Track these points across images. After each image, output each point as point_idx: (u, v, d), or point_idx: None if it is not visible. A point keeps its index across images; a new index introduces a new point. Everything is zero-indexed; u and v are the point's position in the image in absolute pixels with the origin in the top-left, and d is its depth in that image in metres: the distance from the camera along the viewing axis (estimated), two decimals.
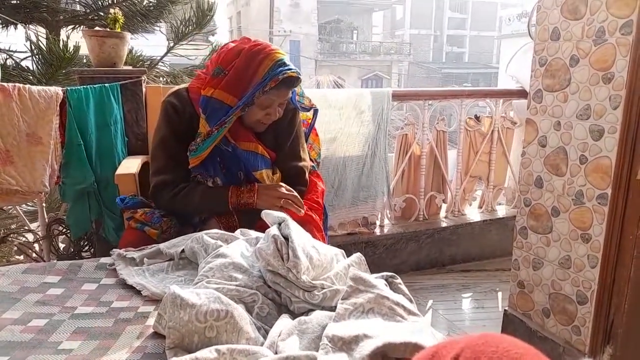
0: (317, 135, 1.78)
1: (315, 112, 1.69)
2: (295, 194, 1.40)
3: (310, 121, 1.70)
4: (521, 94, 2.71)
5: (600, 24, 1.43)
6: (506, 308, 1.88)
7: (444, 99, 2.71)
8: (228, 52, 1.38)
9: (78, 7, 2.83)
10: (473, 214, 2.83)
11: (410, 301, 0.93)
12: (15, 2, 2.55)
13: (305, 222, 1.37)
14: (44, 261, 1.91)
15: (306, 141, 1.66)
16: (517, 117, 2.84)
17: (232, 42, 1.42)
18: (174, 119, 1.42)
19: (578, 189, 1.54)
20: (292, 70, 1.34)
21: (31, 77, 2.38)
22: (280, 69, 1.32)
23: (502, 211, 2.89)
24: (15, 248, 2.14)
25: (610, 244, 1.46)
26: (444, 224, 2.67)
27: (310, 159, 1.66)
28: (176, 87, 1.48)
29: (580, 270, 1.55)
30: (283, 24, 21.15)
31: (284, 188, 1.40)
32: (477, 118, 2.79)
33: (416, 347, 0.73)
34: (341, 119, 2.30)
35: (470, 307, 2.29)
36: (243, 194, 1.39)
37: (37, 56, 2.35)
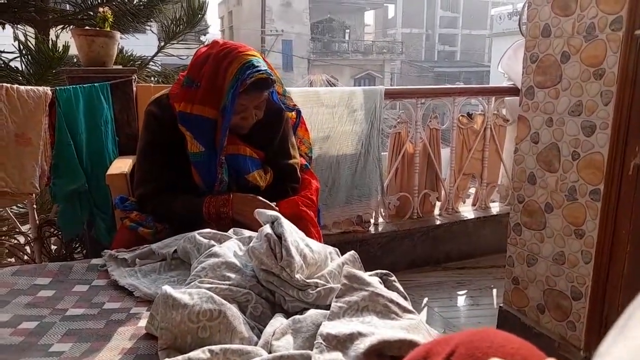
0: (306, 130, 1.76)
1: (299, 112, 1.66)
2: (272, 205, 1.35)
3: (295, 120, 1.68)
4: (513, 91, 2.72)
5: (590, 20, 1.43)
6: (501, 305, 1.89)
7: (437, 97, 2.72)
8: (195, 60, 1.33)
9: (67, 7, 2.80)
10: (467, 211, 2.83)
11: (405, 299, 0.93)
12: (2, 1, 2.52)
13: (300, 218, 1.36)
14: (36, 263, 1.89)
15: (294, 135, 1.63)
16: (509, 114, 2.85)
17: (204, 46, 1.37)
18: (155, 128, 1.39)
19: (571, 185, 1.54)
20: (261, 72, 1.27)
21: (20, 78, 2.36)
22: (249, 71, 1.26)
23: (495, 208, 2.90)
24: (7, 250, 2.11)
25: (603, 240, 1.46)
26: (438, 222, 2.67)
27: (302, 155, 1.65)
28: (158, 94, 1.44)
29: (574, 266, 1.55)
30: (275, 24, 21.10)
31: (260, 202, 1.34)
32: (469, 116, 2.79)
33: (411, 345, 0.73)
34: (334, 117, 2.29)
35: (465, 304, 2.29)
36: (218, 205, 1.34)
37: (26, 56, 2.33)
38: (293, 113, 1.65)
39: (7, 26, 2.53)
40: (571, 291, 1.57)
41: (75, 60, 2.54)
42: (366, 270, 1.02)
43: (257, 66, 1.28)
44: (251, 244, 1.00)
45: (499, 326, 1.87)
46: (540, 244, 1.67)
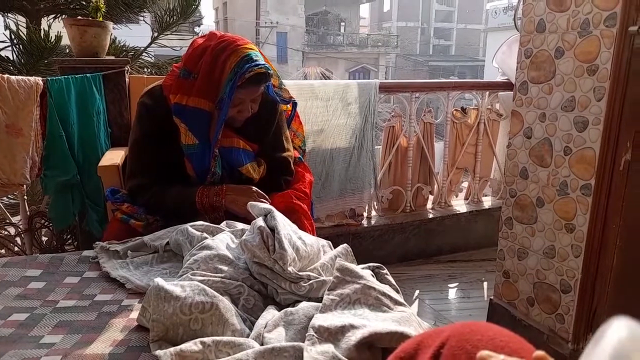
0: (300, 123, 1.76)
1: (294, 105, 1.66)
2: (266, 195, 1.36)
3: (290, 113, 1.68)
4: (507, 86, 2.72)
5: (585, 16, 1.44)
6: (492, 297, 1.90)
7: (431, 90, 2.72)
8: (193, 51, 1.32)
9: None
10: (459, 205, 2.85)
11: (397, 291, 0.93)
12: None
13: (293, 211, 1.36)
14: (26, 255, 1.88)
15: (288, 128, 1.63)
16: (502, 109, 2.86)
17: (200, 37, 1.37)
18: (147, 120, 1.38)
19: (562, 180, 1.55)
20: (260, 66, 1.27)
21: (11, 68, 2.32)
22: (248, 65, 1.25)
23: (488, 202, 2.91)
24: None
25: (593, 234, 1.48)
26: (430, 215, 2.69)
27: (295, 148, 1.65)
28: (151, 85, 1.43)
29: (564, 260, 1.57)
30: (269, 15, 20.99)
31: (254, 192, 1.35)
32: (463, 110, 2.79)
33: (402, 337, 0.73)
34: (328, 110, 2.29)
35: (456, 297, 2.31)
36: (210, 195, 1.34)
37: (17, 46, 2.29)
38: (288, 106, 1.64)
39: None
40: (560, 284, 1.59)
41: (67, 50, 2.51)
42: (358, 263, 1.03)
43: (256, 60, 1.27)
44: (244, 237, 1.00)
45: (489, 319, 1.89)
46: (531, 238, 1.69)
